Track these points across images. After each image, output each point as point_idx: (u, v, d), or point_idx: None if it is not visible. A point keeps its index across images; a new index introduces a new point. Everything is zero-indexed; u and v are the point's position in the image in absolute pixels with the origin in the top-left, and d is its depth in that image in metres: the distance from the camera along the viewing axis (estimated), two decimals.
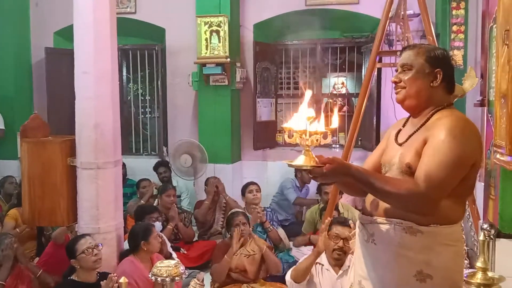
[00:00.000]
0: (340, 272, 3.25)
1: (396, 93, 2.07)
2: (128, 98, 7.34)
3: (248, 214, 4.38)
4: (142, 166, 6.35)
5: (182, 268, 2.61)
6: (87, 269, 3.29)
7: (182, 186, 6.22)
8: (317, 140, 1.86)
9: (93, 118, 3.74)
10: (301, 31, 6.62)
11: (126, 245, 3.94)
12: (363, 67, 6.49)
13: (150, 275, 2.60)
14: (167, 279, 2.56)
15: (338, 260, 3.25)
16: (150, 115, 7.21)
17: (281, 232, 4.84)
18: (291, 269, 3.36)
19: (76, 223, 3.87)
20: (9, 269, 3.63)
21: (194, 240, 5.28)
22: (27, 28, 6.92)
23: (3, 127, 6.51)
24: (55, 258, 4.22)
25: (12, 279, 3.67)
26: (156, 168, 6.10)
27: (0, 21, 6.66)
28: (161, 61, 6.73)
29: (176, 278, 2.57)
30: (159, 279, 2.57)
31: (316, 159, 1.83)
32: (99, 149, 3.74)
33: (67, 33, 6.77)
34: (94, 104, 3.74)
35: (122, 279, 2.15)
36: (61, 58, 6.53)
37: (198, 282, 2.68)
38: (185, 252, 4.90)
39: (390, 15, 4.11)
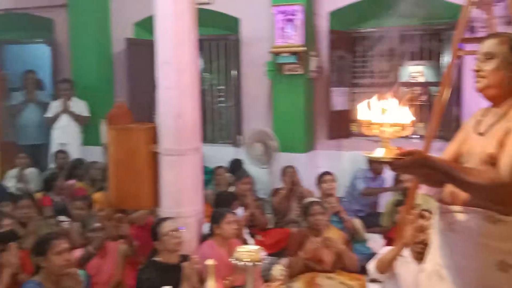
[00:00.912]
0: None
1: (477, 82, 2.02)
2: (203, 88, 7.50)
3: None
4: (218, 154, 6.48)
5: (263, 253, 2.67)
6: (169, 251, 3.42)
7: (255, 175, 6.30)
8: (397, 132, 1.84)
9: (174, 107, 3.87)
10: (377, 19, 6.48)
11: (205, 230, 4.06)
12: (442, 55, 6.28)
13: (232, 259, 2.68)
14: (249, 263, 2.63)
15: (420, 254, 3.20)
16: (224, 104, 7.34)
17: (357, 223, 4.81)
18: (376, 259, 3.34)
19: (159, 207, 4.03)
20: (97, 251, 3.84)
21: (269, 227, 5.35)
22: (108, 19, 7.21)
23: (87, 115, 6.84)
24: (136, 239, 4.44)
25: (98, 261, 3.91)
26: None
27: (82, 13, 6.99)
28: (236, 51, 6.82)
29: (258, 263, 2.63)
30: (241, 263, 2.64)
31: (396, 150, 1.82)
32: (180, 137, 3.88)
33: (147, 24, 7.00)
34: (175, 93, 3.87)
35: (210, 261, 2.22)
36: (141, 49, 6.77)
37: (281, 269, 2.73)
38: (261, 239, 4.97)
39: None
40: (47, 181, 5.46)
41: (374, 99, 1.91)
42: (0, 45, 6.68)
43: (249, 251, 2.64)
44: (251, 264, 2.62)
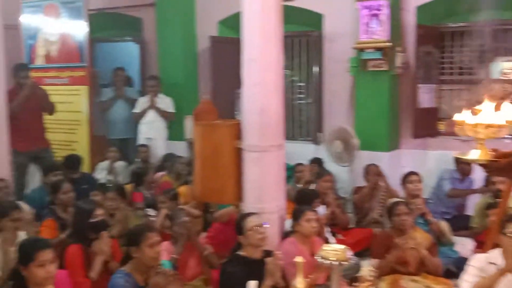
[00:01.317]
0: None
1: None
2: (284, 84, 7.50)
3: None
4: (298, 151, 6.46)
5: (349, 253, 2.63)
6: (253, 246, 3.46)
7: (336, 173, 6.23)
8: (493, 133, 1.74)
9: (259, 103, 3.89)
10: (467, 13, 6.20)
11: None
12: None
13: (317, 257, 2.66)
14: (335, 262, 2.60)
15: None
16: (304, 101, 7.31)
17: (444, 225, 4.64)
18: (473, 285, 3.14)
19: (242, 202, 4.09)
20: (183, 245, 3.93)
21: (350, 226, 5.29)
22: (193, 18, 7.40)
23: (173, 111, 7.06)
24: (221, 235, 4.54)
25: (184, 255, 4.00)
26: None
27: (169, 12, 7.23)
28: (318, 47, 6.78)
29: (344, 262, 2.60)
30: (326, 262, 2.62)
31: (492, 152, 1.73)
32: (263, 133, 3.90)
33: (230, 22, 7.13)
34: (260, 90, 3.89)
35: (299, 258, 2.22)
36: (225, 47, 6.90)
37: (370, 270, 2.69)
38: (342, 237, 4.91)
39: None
40: (138, 175, 5.68)
41: (462, 96, 1.82)
42: (92, 44, 7.01)
43: (335, 250, 2.61)
44: (337, 263, 2.59)
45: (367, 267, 2.84)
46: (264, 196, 3.92)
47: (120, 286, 3.10)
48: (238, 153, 4.04)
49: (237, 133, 4.03)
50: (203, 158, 4.18)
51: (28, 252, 2.77)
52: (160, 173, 5.83)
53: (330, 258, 2.59)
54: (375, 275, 2.90)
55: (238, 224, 3.53)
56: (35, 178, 6.29)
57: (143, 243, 3.15)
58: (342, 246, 2.69)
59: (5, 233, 3.85)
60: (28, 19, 7.11)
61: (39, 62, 7.10)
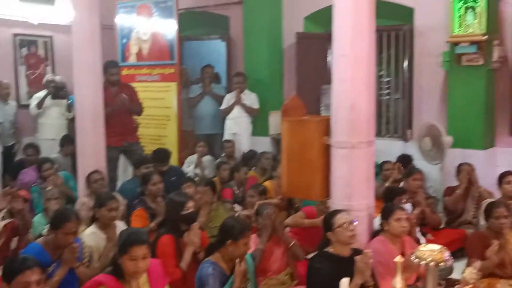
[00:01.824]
0: None
1: None
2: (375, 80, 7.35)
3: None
4: (385, 148, 6.31)
5: (447, 254, 2.53)
6: (342, 243, 3.40)
7: (426, 171, 6.01)
8: None
9: (349, 99, 3.82)
10: None
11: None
12: None
13: (412, 257, 2.58)
14: (431, 263, 2.51)
15: None
16: (392, 97, 7.12)
17: None
18: None
19: (329, 199, 4.04)
20: (268, 237, 3.95)
21: (441, 227, 5.09)
22: (280, 14, 7.41)
23: (258, 107, 7.12)
24: (303, 230, 4.52)
25: (269, 248, 4.03)
26: None
27: (256, 9, 7.29)
28: (409, 41, 6.57)
29: (441, 264, 2.50)
30: (422, 262, 2.53)
31: None
32: (353, 129, 3.82)
33: (317, 18, 7.08)
34: (351, 86, 3.81)
35: (398, 258, 2.16)
36: (311, 42, 6.88)
37: (474, 272, 2.57)
38: (432, 238, 4.74)
39: None
40: (231, 170, 5.80)
41: None
42: (181, 41, 7.22)
43: (431, 250, 2.51)
44: (433, 264, 2.49)
45: (470, 269, 2.71)
46: (352, 193, 3.85)
47: (208, 274, 3.22)
48: (326, 149, 3.99)
49: (326, 129, 3.98)
50: (290, 153, 4.17)
51: (123, 244, 2.89)
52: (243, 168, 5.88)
53: (425, 259, 2.50)
54: (478, 278, 2.77)
55: (327, 220, 3.49)
56: (125, 171, 6.61)
57: (241, 240, 3.30)
58: (438, 246, 2.58)
59: (102, 223, 4.07)
60: (122, 19, 7.45)
61: (132, 60, 7.42)
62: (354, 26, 3.73)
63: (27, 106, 7.20)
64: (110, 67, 6.23)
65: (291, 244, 4.09)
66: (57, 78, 7.20)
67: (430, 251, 2.51)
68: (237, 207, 5.13)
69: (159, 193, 4.80)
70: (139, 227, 4.16)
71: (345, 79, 3.81)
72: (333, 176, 3.94)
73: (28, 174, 5.88)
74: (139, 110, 6.50)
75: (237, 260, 3.29)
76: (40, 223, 4.37)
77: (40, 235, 3.75)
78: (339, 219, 3.39)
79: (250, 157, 6.36)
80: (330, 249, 3.45)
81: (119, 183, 6.19)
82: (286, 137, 4.18)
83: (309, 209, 4.66)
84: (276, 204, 4.69)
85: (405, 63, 6.70)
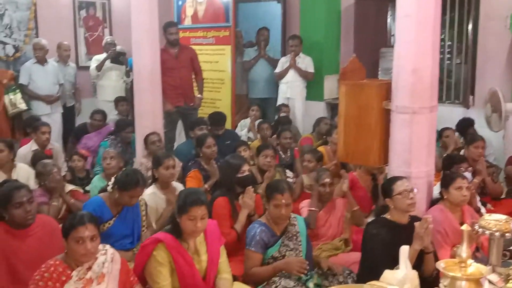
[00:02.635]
0: None
1: None
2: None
3: None
4: (445, 115, 6.09)
5: None
6: (400, 211, 3.34)
7: (487, 139, 5.78)
8: None
9: (411, 62, 3.67)
10: None
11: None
12: None
13: (476, 227, 2.50)
14: (496, 233, 2.42)
15: None
16: (453, 61, 6.83)
17: None
18: None
19: (387, 165, 3.96)
20: (324, 203, 3.96)
21: (502, 197, 4.91)
22: None
23: (313, 71, 7.00)
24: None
25: (324, 213, 4.04)
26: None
27: None
28: (474, 4, 6.24)
29: (507, 234, 2.41)
30: (486, 232, 2.45)
31: None
32: (415, 94, 3.69)
33: None
34: (414, 48, 3.66)
35: (465, 227, 2.09)
36: (370, 3, 6.65)
37: None
38: (492, 208, 4.59)
39: None
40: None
41: None
42: (236, 4, 7.13)
43: (497, 220, 2.41)
44: (498, 234, 2.40)
45: None
46: (412, 160, 3.75)
47: (256, 235, 3.28)
48: (385, 114, 3.89)
49: (386, 94, 3.87)
50: (347, 118, 4.09)
51: (183, 204, 2.93)
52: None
53: (491, 228, 2.41)
54: None
55: (386, 186, 3.42)
56: (180, 134, 6.70)
57: (271, 201, 3.33)
58: (504, 216, 2.48)
59: (161, 182, 4.16)
60: None
61: (187, 22, 7.41)
62: None
63: (86, 68, 7.36)
64: (168, 26, 6.28)
65: (355, 208, 4.09)
66: (118, 47, 7.27)
67: (495, 220, 2.41)
68: (288, 172, 5.09)
69: (213, 155, 4.84)
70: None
71: (409, 41, 3.66)
72: (392, 142, 3.84)
73: (92, 140, 6.08)
74: (200, 71, 6.54)
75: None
76: (97, 186, 4.50)
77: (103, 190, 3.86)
78: (399, 186, 3.32)
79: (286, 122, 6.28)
80: (387, 216, 3.40)
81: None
82: (344, 101, 4.09)
83: (349, 177, 4.56)
84: (332, 170, 4.64)
85: (469, 26, 6.38)
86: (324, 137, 5.79)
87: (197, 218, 2.89)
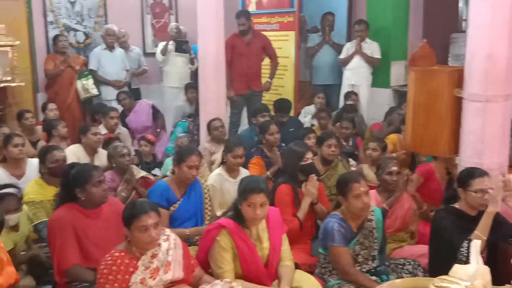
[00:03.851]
0: None
1: None
2: None
3: None
4: None
5: None
6: (471, 206, 3.20)
7: None
8: None
9: (486, 47, 3.50)
10: None
11: None
12: None
13: None
14: None
15: None
16: None
17: None
18: None
19: (457, 155, 3.80)
20: (397, 197, 3.84)
21: None
22: None
23: (379, 56, 6.81)
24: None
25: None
26: None
27: None
28: None
29: None
30: None
31: None
32: (489, 81, 3.52)
33: None
34: (489, 32, 3.48)
35: None
36: None
37: None
38: None
39: None
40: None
41: None
42: None
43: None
44: None
45: None
46: (484, 150, 3.58)
47: (334, 229, 3.14)
48: (456, 102, 3.73)
49: (458, 81, 3.71)
50: (416, 105, 3.97)
51: (243, 191, 2.95)
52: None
53: None
54: None
55: (463, 177, 3.25)
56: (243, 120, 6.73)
57: (349, 193, 3.16)
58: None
59: (228, 167, 4.20)
60: None
61: (252, 8, 7.38)
62: None
63: (153, 54, 7.51)
64: (236, 17, 6.32)
65: (424, 209, 3.96)
66: (181, 27, 7.37)
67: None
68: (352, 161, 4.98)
69: (276, 143, 4.83)
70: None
71: (483, 25, 3.48)
72: (463, 131, 3.69)
73: (133, 121, 6.35)
74: (274, 55, 6.54)
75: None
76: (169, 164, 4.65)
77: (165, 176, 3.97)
78: (478, 183, 3.14)
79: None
80: (457, 205, 3.27)
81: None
82: (413, 88, 3.96)
83: (426, 167, 4.44)
84: (401, 159, 4.50)
85: None
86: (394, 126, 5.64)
87: (256, 205, 2.90)
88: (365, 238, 3.24)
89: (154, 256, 2.68)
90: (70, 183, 3.10)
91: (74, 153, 4.60)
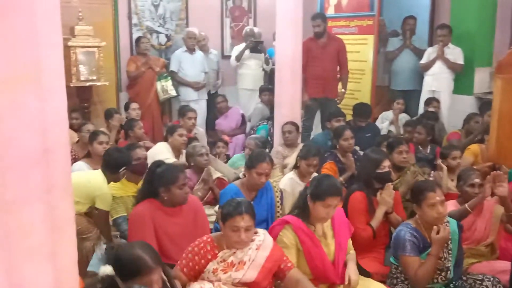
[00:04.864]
0: None
1: None
2: None
3: None
4: None
5: None
6: None
7: None
8: None
9: None
10: None
11: None
12: None
13: None
14: None
15: None
16: None
17: None
18: None
19: None
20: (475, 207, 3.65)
21: None
22: None
23: (462, 62, 6.54)
24: None
25: (472, 215, 3.71)
26: None
27: None
28: None
29: None
30: None
31: None
32: None
33: None
34: None
35: None
36: None
37: None
38: None
39: None
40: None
41: None
42: None
43: None
44: None
45: None
46: None
47: (405, 239, 3.06)
48: None
49: None
50: (502, 115, 3.79)
51: (321, 192, 2.94)
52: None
53: None
54: None
55: None
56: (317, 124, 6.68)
57: (423, 202, 3.07)
58: None
59: (301, 172, 4.20)
60: None
61: (330, 11, 7.32)
62: None
63: (230, 57, 7.63)
64: (312, 19, 6.28)
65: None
66: (256, 30, 7.47)
67: None
68: (426, 170, 4.79)
69: (350, 148, 4.76)
70: None
71: None
72: None
73: (222, 124, 6.58)
74: (345, 63, 6.46)
75: (435, 227, 3.07)
76: (236, 162, 4.69)
77: (238, 178, 4.01)
78: None
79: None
80: None
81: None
82: (499, 97, 3.78)
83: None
84: (483, 172, 4.28)
85: None
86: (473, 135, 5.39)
87: (331, 206, 2.93)
88: None
89: (234, 252, 2.74)
90: (155, 181, 3.21)
91: (162, 151, 4.74)
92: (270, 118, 6.33)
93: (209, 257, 2.72)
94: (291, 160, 4.85)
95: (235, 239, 2.69)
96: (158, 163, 3.41)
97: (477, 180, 3.63)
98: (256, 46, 7.23)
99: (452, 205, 3.72)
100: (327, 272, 2.99)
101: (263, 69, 7.47)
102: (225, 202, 2.86)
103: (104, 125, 5.77)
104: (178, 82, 7.03)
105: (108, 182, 3.85)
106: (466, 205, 3.56)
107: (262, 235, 2.84)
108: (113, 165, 3.84)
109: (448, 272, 3.12)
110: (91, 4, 6.71)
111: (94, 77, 6.25)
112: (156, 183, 3.20)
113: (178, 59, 7.07)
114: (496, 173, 3.44)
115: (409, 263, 3.04)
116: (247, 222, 2.69)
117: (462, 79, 6.65)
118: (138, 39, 6.94)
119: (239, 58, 7.27)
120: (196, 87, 7.03)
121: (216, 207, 3.81)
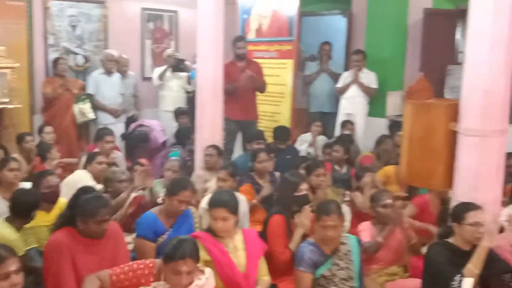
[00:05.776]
0: None
1: None
2: None
3: None
4: None
5: None
6: (466, 240, 3.18)
7: None
8: None
9: (483, 83, 3.48)
10: None
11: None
12: None
13: None
14: None
15: None
16: None
17: None
18: None
19: (451, 189, 3.78)
20: (390, 230, 3.81)
21: None
22: None
23: (376, 86, 6.83)
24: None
25: (385, 237, 3.85)
26: None
27: None
28: None
29: None
30: None
31: None
32: (486, 116, 3.50)
33: None
34: (486, 69, 3.48)
35: None
36: (439, 19, 6.42)
37: None
38: None
39: None
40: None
41: None
42: (300, 17, 7.07)
43: None
44: None
45: None
46: (479, 185, 3.55)
47: (306, 253, 3.25)
48: (452, 137, 3.72)
49: (454, 115, 3.70)
50: (412, 138, 3.94)
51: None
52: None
53: None
54: None
55: (457, 212, 3.25)
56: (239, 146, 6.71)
57: (319, 222, 3.30)
58: None
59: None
60: None
61: (251, 36, 7.42)
62: (495, 3, 3.38)
63: (151, 79, 7.54)
64: (237, 41, 6.35)
65: (413, 242, 3.90)
66: (176, 54, 7.45)
67: None
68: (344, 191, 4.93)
69: (265, 170, 4.86)
70: None
71: (481, 61, 3.48)
72: (459, 166, 3.66)
73: None
74: (262, 88, 6.53)
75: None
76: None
77: (156, 204, 3.92)
78: (472, 216, 3.15)
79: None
80: (451, 240, 3.25)
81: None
82: (409, 121, 3.94)
83: (422, 199, 4.44)
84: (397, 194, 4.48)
85: None
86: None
87: (217, 218, 3.19)
88: (341, 259, 3.29)
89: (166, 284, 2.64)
90: (76, 208, 3.06)
91: (82, 179, 4.49)
92: (185, 143, 6.22)
93: (143, 281, 2.64)
94: (212, 183, 4.82)
95: (176, 282, 2.56)
96: (86, 190, 3.28)
97: (388, 201, 3.78)
98: (178, 65, 7.19)
99: (366, 226, 3.86)
100: (239, 282, 3.08)
101: (186, 91, 7.42)
102: (168, 240, 2.85)
103: (17, 150, 5.49)
104: (96, 106, 6.82)
105: (20, 227, 3.59)
106: (379, 238, 3.73)
107: (204, 279, 2.68)
108: (23, 210, 3.57)
109: (352, 280, 3.28)
110: (5, 24, 6.48)
111: (6, 100, 5.97)
112: (75, 211, 3.05)
113: (95, 81, 6.88)
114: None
115: (299, 278, 3.25)
116: (189, 266, 2.56)
117: (376, 102, 6.95)
118: (56, 60, 6.71)
119: (161, 76, 7.20)
120: (114, 114, 6.89)
121: (134, 235, 3.68)
